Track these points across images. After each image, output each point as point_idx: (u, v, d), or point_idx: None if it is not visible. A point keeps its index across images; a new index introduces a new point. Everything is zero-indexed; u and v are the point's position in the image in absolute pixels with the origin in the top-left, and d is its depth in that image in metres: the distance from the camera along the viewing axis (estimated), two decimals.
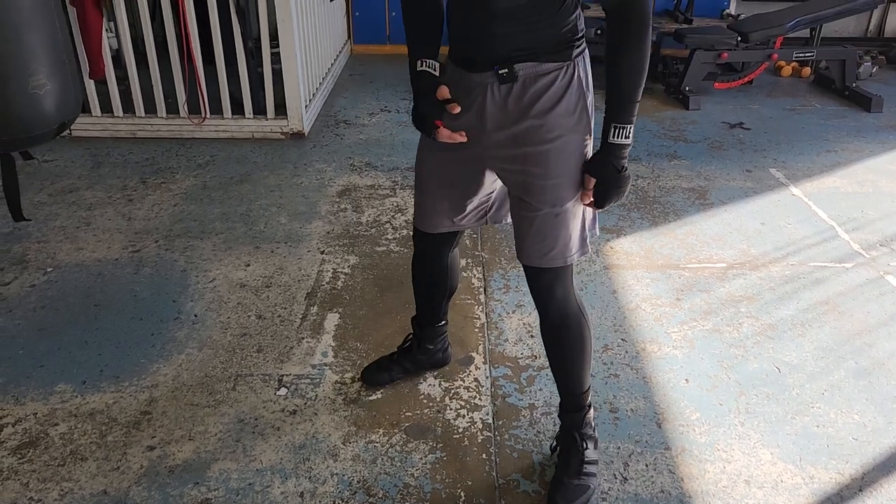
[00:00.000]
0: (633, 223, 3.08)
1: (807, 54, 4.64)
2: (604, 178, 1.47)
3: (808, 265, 2.77)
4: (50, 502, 1.73)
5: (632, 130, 1.43)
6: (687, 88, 4.50)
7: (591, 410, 1.79)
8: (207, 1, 3.60)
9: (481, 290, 2.59)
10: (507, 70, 1.45)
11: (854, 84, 4.61)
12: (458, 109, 1.49)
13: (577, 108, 1.49)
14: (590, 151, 1.54)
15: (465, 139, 1.52)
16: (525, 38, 1.43)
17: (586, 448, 1.76)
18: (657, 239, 2.96)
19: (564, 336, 1.68)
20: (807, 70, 5.10)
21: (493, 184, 1.72)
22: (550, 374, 2.03)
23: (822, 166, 3.66)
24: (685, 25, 4.86)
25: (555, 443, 1.82)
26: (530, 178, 1.51)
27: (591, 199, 1.52)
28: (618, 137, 1.43)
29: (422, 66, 1.53)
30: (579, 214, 1.57)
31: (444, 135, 1.53)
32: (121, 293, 2.56)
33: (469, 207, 1.74)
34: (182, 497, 1.74)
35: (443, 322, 2.09)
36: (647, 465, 1.85)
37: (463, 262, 2.70)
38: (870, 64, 5.04)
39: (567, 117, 1.48)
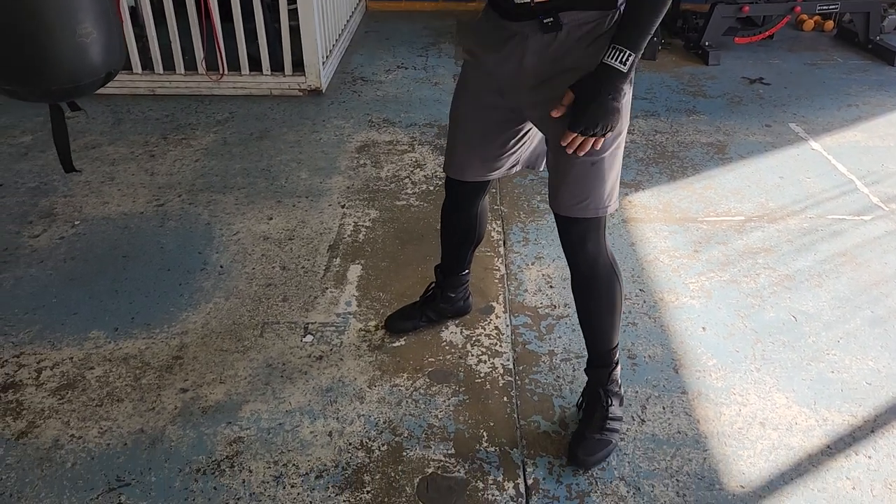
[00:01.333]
0: (652, 177, 3.09)
1: (830, 7, 4.55)
2: (585, 98, 1.39)
3: (826, 218, 2.78)
4: (91, 439, 1.81)
5: (631, 59, 1.36)
6: (707, 43, 4.45)
7: (618, 368, 1.82)
8: None
9: (500, 242, 2.63)
10: (552, 19, 1.41)
11: (878, 37, 4.54)
12: None
13: None
14: (629, 101, 1.53)
15: None
16: None
17: (611, 405, 1.79)
18: (675, 193, 2.97)
19: (594, 290, 1.70)
20: (830, 24, 5.02)
21: (527, 134, 1.73)
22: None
23: (842, 120, 3.63)
24: None
25: (581, 398, 1.86)
26: (562, 125, 1.50)
27: (561, 114, 1.44)
28: (613, 59, 1.36)
29: None
30: (616, 166, 1.57)
31: None
32: (147, 245, 2.61)
33: (501, 158, 1.75)
34: (215, 435, 1.82)
35: (466, 271, 2.13)
36: (664, 408, 1.90)
37: None
38: (895, 17, 4.94)
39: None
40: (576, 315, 1.80)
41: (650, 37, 1.40)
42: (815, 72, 4.32)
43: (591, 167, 1.52)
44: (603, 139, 1.45)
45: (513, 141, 1.71)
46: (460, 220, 1.96)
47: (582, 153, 1.47)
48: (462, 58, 1.72)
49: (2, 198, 2.92)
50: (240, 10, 3.73)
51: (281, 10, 3.76)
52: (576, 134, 1.43)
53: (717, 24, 4.44)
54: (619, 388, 1.83)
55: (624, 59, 1.36)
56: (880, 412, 1.88)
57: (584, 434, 1.76)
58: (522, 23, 1.46)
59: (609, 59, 1.37)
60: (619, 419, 1.81)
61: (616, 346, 1.78)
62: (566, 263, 1.72)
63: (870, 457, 1.75)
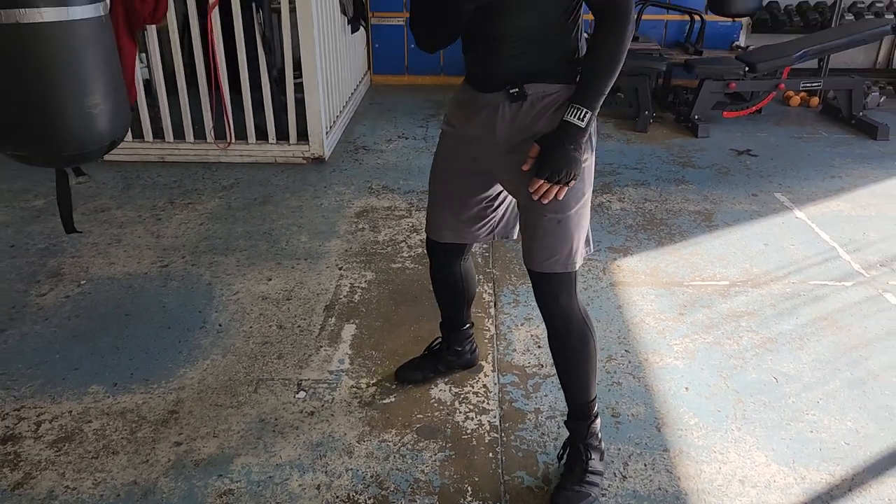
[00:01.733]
0: (640, 243, 3.20)
1: (814, 84, 4.76)
2: (548, 148, 1.54)
3: (808, 283, 2.86)
4: (85, 490, 1.86)
5: (588, 117, 1.52)
6: (696, 117, 4.64)
7: (598, 421, 1.88)
8: (235, 34, 3.81)
9: (491, 303, 2.71)
10: (517, 90, 1.58)
11: (861, 113, 4.72)
12: None
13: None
14: (591, 165, 1.66)
15: None
16: (533, 60, 1.57)
17: (590, 458, 1.84)
18: (663, 258, 3.07)
19: (569, 344, 1.78)
20: (815, 100, 5.22)
21: (499, 199, 1.85)
22: (556, 381, 2.14)
23: (826, 191, 3.76)
24: (695, 56, 5.00)
25: (562, 451, 1.91)
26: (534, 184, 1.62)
27: (529, 167, 1.58)
28: (573, 117, 1.52)
29: None
30: (581, 225, 1.69)
31: None
32: (150, 304, 2.71)
33: (476, 223, 1.87)
34: (206, 488, 1.86)
35: (467, 325, 2.22)
36: (645, 465, 1.94)
37: None
38: (877, 94, 5.16)
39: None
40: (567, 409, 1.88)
41: (604, 97, 1.55)
42: (800, 145, 4.49)
43: (558, 224, 1.63)
44: (567, 187, 1.57)
45: (485, 204, 1.83)
46: (445, 277, 2.06)
47: (547, 200, 1.59)
48: (442, 128, 1.86)
49: (12, 258, 3.03)
50: (248, 83, 3.93)
51: (287, 83, 3.97)
52: (542, 181, 1.56)
53: (705, 99, 4.64)
54: (600, 442, 1.88)
55: (581, 117, 1.52)
56: (858, 472, 1.92)
57: (565, 486, 1.80)
58: (493, 94, 1.61)
59: (569, 117, 1.53)
60: (600, 473, 1.85)
61: (594, 398, 1.84)
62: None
63: None
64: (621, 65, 1.52)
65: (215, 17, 3.79)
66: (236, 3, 3.79)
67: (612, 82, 1.53)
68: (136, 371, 2.32)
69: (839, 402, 2.19)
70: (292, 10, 3.86)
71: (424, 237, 2.04)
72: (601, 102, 1.55)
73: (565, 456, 1.88)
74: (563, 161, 1.53)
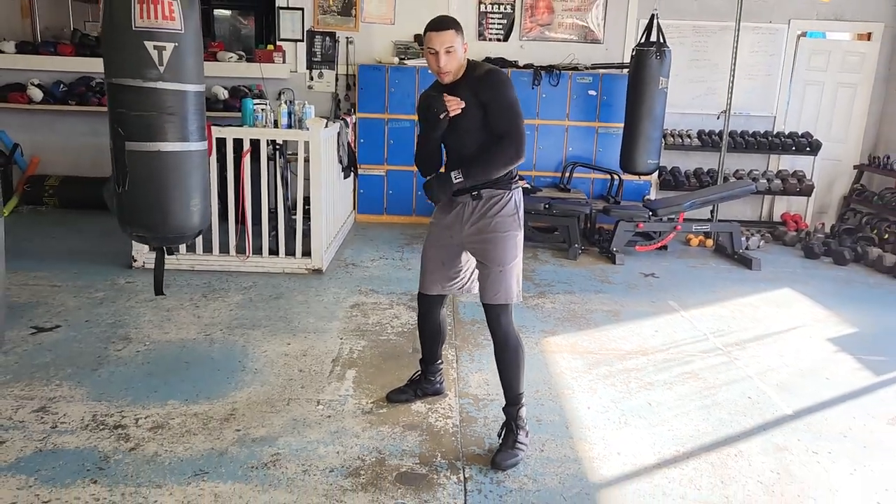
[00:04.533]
0: (565, 328, 4.29)
1: (703, 227, 6.14)
2: (431, 182, 2.73)
3: (682, 354, 3.96)
4: (179, 453, 2.75)
5: (460, 179, 2.66)
6: (614, 249, 5.91)
7: (524, 409, 2.89)
8: (260, 176, 5.03)
9: (455, 360, 3.73)
10: (476, 192, 2.76)
11: (742, 250, 6.06)
12: (455, 104, 2.68)
13: (514, 214, 2.77)
14: (520, 239, 2.80)
15: (463, 104, 2.66)
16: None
17: (519, 433, 2.84)
18: (579, 337, 4.16)
19: (507, 352, 2.82)
20: (710, 241, 6.59)
21: (467, 263, 2.96)
22: (498, 403, 3.14)
23: (706, 300, 4.96)
24: (613, 205, 6.38)
25: (500, 429, 2.89)
26: (487, 250, 2.76)
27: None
28: (454, 175, 2.67)
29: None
30: (514, 275, 2.80)
31: (453, 102, 2.68)
32: (201, 357, 3.66)
33: (452, 279, 2.97)
34: (262, 451, 2.78)
35: (439, 361, 3.24)
36: (557, 445, 2.92)
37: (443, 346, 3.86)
38: (757, 238, 6.55)
39: (507, 218, 2.76)
40: (502, 397, 2.89)
41: (479, 177, 2.69)
42: (693, 271, 5.76)
43: (500, 273, 2.74)
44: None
45: (458, 267, 2.94)
46: (429, 321, 3.10)
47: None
48: (430, 222, 2.99)
49: (90, 328, 3.97)
50: (267, 212, 5.10)
51: (297, 212, 5.14)
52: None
53: (621, 236, 5.94)
54: (525, 423, 2.87)
55: (458, 177, 2.68)
56: (694, 449, 2.93)
57: (501, 450, 2.77)
58: (462, 196, 2.77)
59: (450, 173, 2.70)
60: (525, 444, 2.82)
61: (522, 392, 2.85)
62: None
63: (682, 470, 2.78)
64: (498, 170, 2.69)
65: (246, 161, 5.03)
66: (264, 152, 5.05)
67: (486, 175, 2.68)
68: (199, 393, 3.25)
69: (690, 416, 3.23)
70: (305, 160, 5.12)
71: (405, 321, 3.09)
72: (472, 180, 2.69)
73: (503, 433, 2.86)
74: (440, 188, 2.73)
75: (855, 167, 7.26)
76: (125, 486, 2.53)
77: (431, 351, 3.21)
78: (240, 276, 5.05)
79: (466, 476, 2.68)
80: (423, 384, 3.26)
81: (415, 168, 2.91)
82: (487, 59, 6.95)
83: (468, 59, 2.78)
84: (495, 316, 2.80)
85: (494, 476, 2.69)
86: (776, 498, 2.63)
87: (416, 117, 2.96)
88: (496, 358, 2.87)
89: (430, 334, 3.16)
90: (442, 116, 2.69)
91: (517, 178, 2.84)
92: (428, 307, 3.08)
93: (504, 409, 2.89)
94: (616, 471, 2.76)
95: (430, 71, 2.77)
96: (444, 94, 2.71)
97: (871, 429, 3.18)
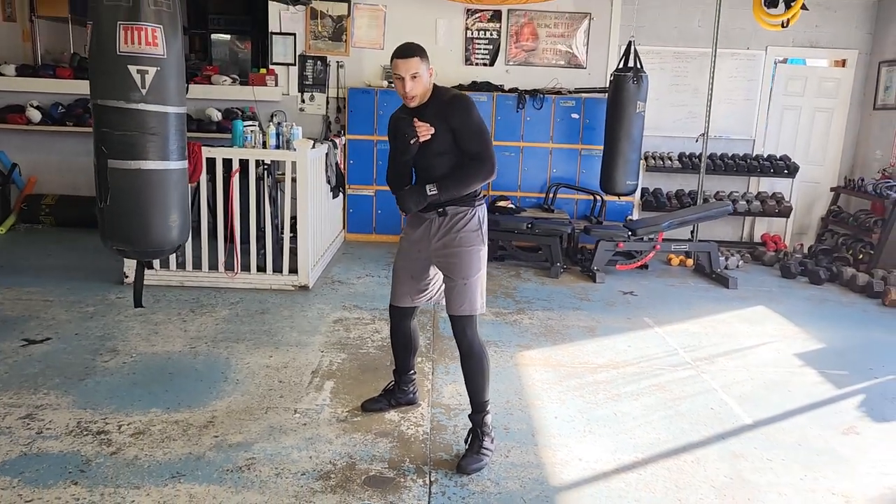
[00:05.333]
0: (540, 343, 4.42)
1: (681, 247, 6.30)
2: (404, 193, 2.88)
3: (652, 368, 4.09)
4: (158, 457, 2.88)
5: (435, 191, 2.82)
6: (595, 268, 6.06)
7: (489, 416, 3.02)
8: (249, 195, 5.19)
9: (430, 372, 3.86)
10: (442, 209, 2.91)
11: (720, 269, 6.21)
12: (425, 129, 2.84)
13: (477, 229, 2.93)
14: (484, 254, 2.95)
15: (432, 130, 2.82)
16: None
17: (484, 439, 2.96)
18: (554, 351, 4.29)
19: (472, 361, 2.96)
20: (689, 261, 6.74)
21: (435, 276, 3.11)
22: (467, 412, 3.27)
23: (681, 317, 5.10)
24: (594, 224, 6.54)
25: (467, 435, 3.02)
26: (453, 263, 2.91)
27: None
28: (429, 188, 2.83)
29: None
30: (479, 286, 2.95)
31: (423, 128, 2.84)
32: (185, 368, 3.79)
33: (420, 292, 3.11)
34: (237, 456, 2.90)
35: (412, 372, 3.37)
36: (521, 451, 3.05)
37: (419, 359, 4.00)
38: (736, 258, 6.70)
39: (471, 233, 2.92)
40: (470, 407, 3.02)
41: (453, 192, 2.85)
42: (672, 290, 5.90)
43: (465, 286, 2.89)
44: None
45: (426, 280, 3.09)
46: (400, 333, 3.24)
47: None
48: (401, 236, 3.13)
49: (79, 341, 4.11)
50: (255, 231, 5.25)
51: (284, 231, 5.30)
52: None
53: (601, 255, 6.09)
54: (491, 430, 3.00)
55: (433, 190, 2.83)
56: (653, 455, 3.05)
57: (466, 455, 2.90)
58: (429, 213, 2.93)
59: (425, 186, 2.85)
60: (490, 450, 2.95)
61: (487, 400, 2.98)
62: None
63: (640, 475, 2.90)
64: (470, 186, 2.86)
65: (236, 181, 5.19)
66: (253, 172, 5.22)
67: (459, 192, 2.85)
68: (181, 402, 3.38)
69: (653, 425, 3.35)
70: (293, 180, 5.29)
71: (385, 335, 3.22)
72: (446, 194, 2.84)
73: (468, 439, 2.99)
74: (414, 199, 2.87)
75: (832, 189, 7.44)
76: (105, 487, 2.66)
77: (404, 361, 3.34)
78: (228, 292, 5.19)
79: (432, 479, 2.81)
80: (397, 394, 3.39)
81: None
82: (474, 84, 7.17)
83: (434, 84, 2.95)
84: (461, 327, 2.94)
85: (459, 480, 2.81)
86: (727, 500, 2.75)
87: None
88: (462, 367, 3.00)
89: (402, 345, 3.29)
90: (412, 142, 2.86)
91: (481, 196, 3.00)
92: (399, 318, 3.22)
93: (470, 416, 3.01)
94: (576, 475, 2.88)
95: (399, 95, 2.94)
96: (415, 120, 2.88)
97: (826, 438, 3.31)
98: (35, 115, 6.96)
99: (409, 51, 2.84)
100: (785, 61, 7.59)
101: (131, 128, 2.66)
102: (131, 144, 2.70)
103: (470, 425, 3.01)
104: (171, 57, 2.69)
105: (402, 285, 3.13)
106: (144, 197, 2.93)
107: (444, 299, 3.12)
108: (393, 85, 3.08)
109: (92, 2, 2.56)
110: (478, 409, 2.99)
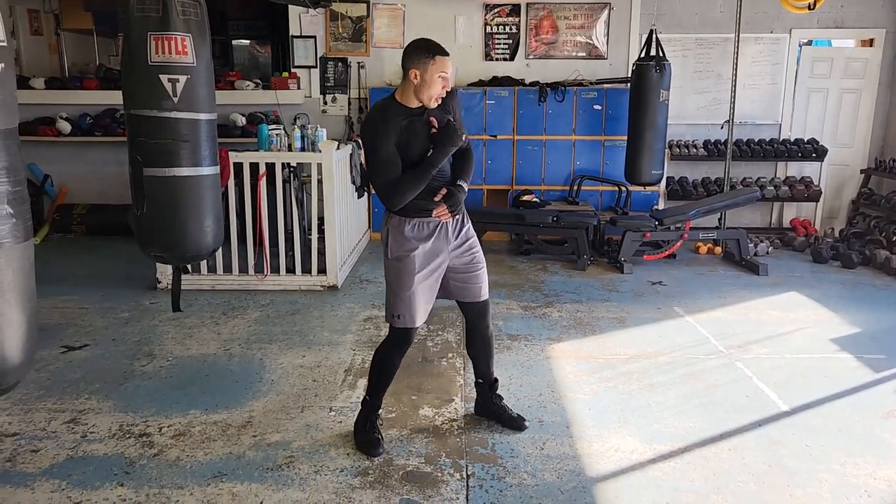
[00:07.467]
0: (570, 335, 4.42)
1: (710, 235, 6.24)
2: (458, 198, 2.87)
3: (684, 357, 4.07)
4: (199, 457, 2.93)
5: (467, 185, 2.93)
6: (623, 259, 6.03)
7: (497, 383, 3.24)
8: (276, 198, 5.25)
9: (462, 368, 3.88)
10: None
11: (749, 256, 6.14)
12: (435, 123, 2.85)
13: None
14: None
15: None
16: None
17: (501, 399, 3.18)
18: (584, 343, 4.28)
19: (489, 338, 3.13)
20: (718, 249, 6.68)
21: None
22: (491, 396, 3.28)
23: (712, 305, 5.06)
24: (620, 215, 6.51)
25: (497, 405, 3.23)
26: (475, 253, 2.98)
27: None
28: (464, 186, 2.90)
29: None
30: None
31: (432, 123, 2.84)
32: (221, 370, 3.85)
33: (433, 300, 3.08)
34: (277, 455, 2.95)
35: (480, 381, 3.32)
36: (557, 443, 3.06)
37: (451, 354, 4.02)
38: (766, 244, 6.63)
39: (472, 223, 3.02)
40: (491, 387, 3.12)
41: (467, 183, 2.93)
42: (701, 278, 5.86)
43: (482, 271, 3.02)
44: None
45: (437, 287, 3.04)
46: (404, 354, 3.09)
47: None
48: (407, 255, 2.93)
49: (117, 346, 4.19)
50: (283, 233, 5.31)
51: (312, 231, 5.35)
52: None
53: (628, 246, 6.06)
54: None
55: (465, 187, 2.92)
56: (689, 445, 3.04)
57: (511, 416, 3.14)
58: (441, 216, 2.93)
59: (459, 182, 2.92)
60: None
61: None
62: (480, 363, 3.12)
63: (677, 464, 2.90)
64: (471, 173, 2.95)
65: (263, 184, 5.25)
66: (279, 175, 5.27)
67: (469, 177, 2.94)
68: (219, 403, 3.44)
69: (688, 414, 3.34)
70: (319, 181, 5.33)
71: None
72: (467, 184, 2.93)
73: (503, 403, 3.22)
74: (451, 141, 2.79)
75: (862, 171, 7.32)
76: (149, 488, 2.72)
77: (385, 391, 3.12)
78: (258, 294, 5.26)
79: (469, 473, 2.83)
80: (377, 423, 3.12)
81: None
82: (494, 79, 7.18)
83: None
84: (487, 310, 3.09)
85: (496, 473, 2.83)
86: (766, 487, 2.73)
87: None
88: (479, 343, 3.14)
89: (395, 370, 3.09)
90: (465, 139, 2.92)
91: None
92: (412, 339, 3.05)
93: (484, 386, 3.25)
94: (612, 466, 2.88)
95: (422, 96, 2.79)
96: (431, 119, 2.83)
97: (866, 422, 3.27)
98: (65, 127, 7.10)
99: (444, 48, 2.81)
100: (810, 43, 7.47)
101: (164, 136, 2.71)
102: (165, 152, 2.75)
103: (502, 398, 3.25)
104: (201, 65, 2.73)
105: (426, 303, 2.96)
106: (180, 203, 2.94)
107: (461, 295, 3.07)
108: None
109: (122, 13, 2.60)
110: (490, 380, 3.25)
